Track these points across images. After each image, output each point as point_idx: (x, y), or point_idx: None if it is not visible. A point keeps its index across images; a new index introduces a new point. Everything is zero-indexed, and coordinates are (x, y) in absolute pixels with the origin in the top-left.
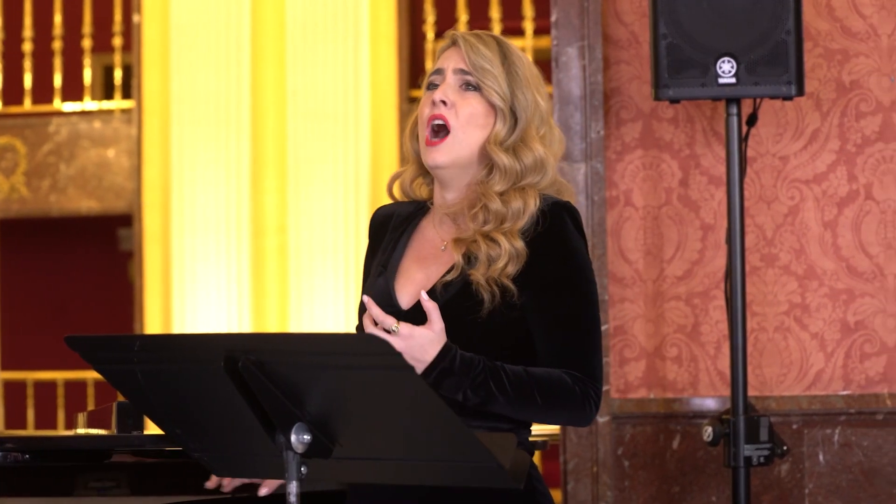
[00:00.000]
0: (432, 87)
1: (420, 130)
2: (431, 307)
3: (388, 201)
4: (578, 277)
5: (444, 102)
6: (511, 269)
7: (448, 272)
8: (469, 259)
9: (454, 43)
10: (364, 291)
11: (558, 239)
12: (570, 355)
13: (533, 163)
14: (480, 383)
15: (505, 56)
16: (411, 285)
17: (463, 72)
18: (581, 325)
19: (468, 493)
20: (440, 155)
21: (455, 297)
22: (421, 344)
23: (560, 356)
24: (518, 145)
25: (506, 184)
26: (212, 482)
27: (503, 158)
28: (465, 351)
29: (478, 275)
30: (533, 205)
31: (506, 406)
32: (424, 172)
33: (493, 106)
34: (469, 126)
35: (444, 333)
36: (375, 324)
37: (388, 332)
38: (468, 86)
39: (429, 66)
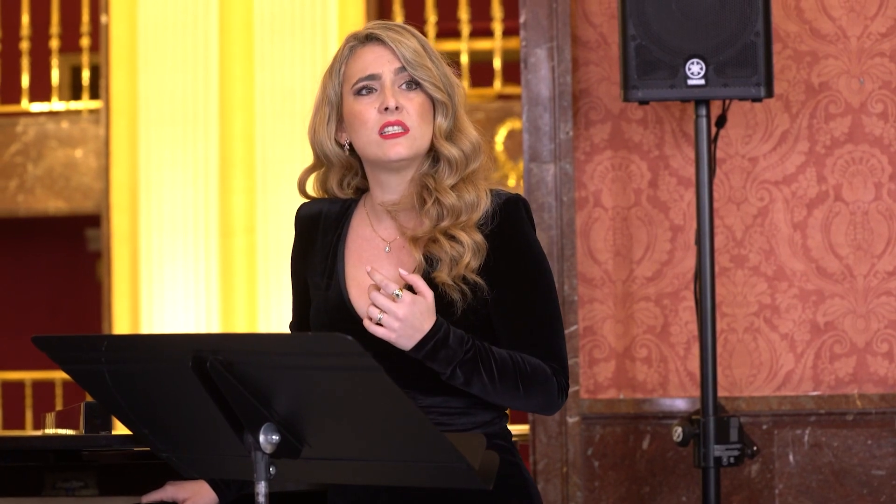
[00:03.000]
0: (368, 91)
1: (366, 132)
2: (417, 279)
3: None
4: (538, 270)
5: (397, 108)
6: (474, 263)
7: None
8: (430, 260)
9: (377, 40)
10: (312, 298)
11: (515, 234)
12: (539, 347)
13: (471, 148)
14: (469, 359)
15: (423, 44)
16: (367, 296)
17: (402, 70)
18: (546, 316)
19: (463, 489)
20: (403, 148)
21: None
22: (421, 311)
23: (529, 349)
24: (455, 133)
25: (455, 176)
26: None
27: (452, 151)
28: None
29: (443, 276)
30: (485, 197)
31: (486, 388)
32: (354, 173)
33: (432, 99)
34: (423, 123)
35: (434, 304)
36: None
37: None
38: (410, 84)
39: None
